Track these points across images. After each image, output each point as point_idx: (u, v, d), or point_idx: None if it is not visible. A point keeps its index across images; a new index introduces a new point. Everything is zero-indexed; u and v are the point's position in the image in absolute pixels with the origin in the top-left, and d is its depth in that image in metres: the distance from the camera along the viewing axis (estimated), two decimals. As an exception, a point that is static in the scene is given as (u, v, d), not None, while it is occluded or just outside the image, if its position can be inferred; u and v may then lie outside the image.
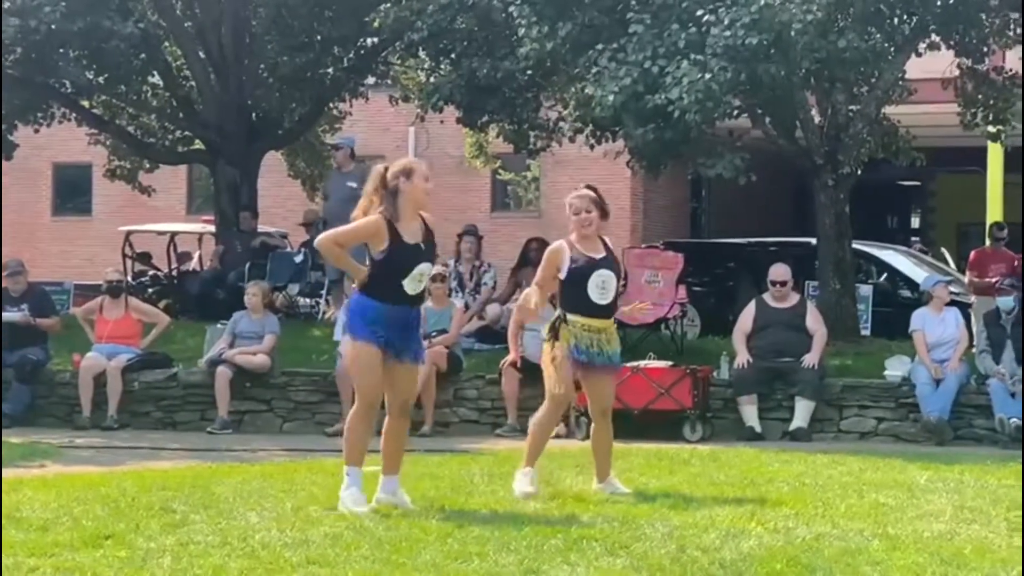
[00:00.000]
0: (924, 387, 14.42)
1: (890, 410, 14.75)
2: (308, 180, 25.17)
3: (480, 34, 17.82)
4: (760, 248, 20.98)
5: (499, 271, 18.10)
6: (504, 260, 19.65)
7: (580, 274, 9.63)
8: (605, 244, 9.82)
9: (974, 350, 15.00)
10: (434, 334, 15.15)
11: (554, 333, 9.66)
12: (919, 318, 15.04)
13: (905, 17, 16.77)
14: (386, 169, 8.99)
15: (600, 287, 9.62)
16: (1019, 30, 17.03)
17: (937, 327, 14.86)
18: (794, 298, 15.47)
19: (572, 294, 9.67)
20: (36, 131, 21.79)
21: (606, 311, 9.74)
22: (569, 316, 9.63)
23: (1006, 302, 14.92)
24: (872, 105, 17.00)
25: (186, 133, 22.76)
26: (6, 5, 17.93)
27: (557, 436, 14.50)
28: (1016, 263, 17.94)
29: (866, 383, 14.96)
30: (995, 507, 9.31)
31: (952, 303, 15.59)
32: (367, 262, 8.97)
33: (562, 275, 9.70)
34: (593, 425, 10.00)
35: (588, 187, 9.90)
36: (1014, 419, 13.94)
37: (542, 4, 15.99)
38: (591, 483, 9.90)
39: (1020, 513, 8.79)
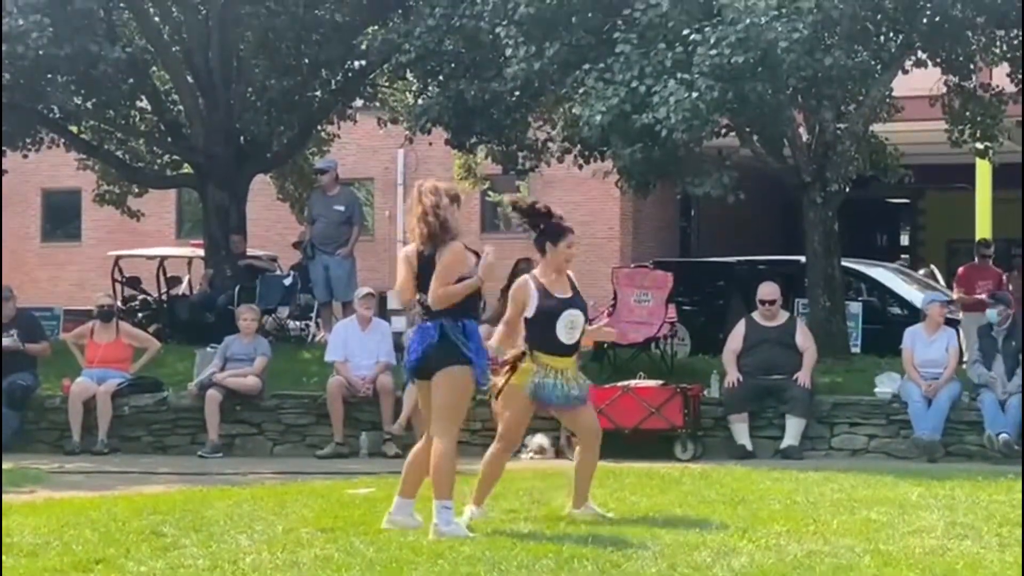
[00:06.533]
0: (916, 405, 14.40)
1: (881, 427, 14.74)
2: (297, 203, 25.13)
3: (467, 56, 17.83)
4: (749, 266, 20.99)
5: (489, 292, 18.03)
6: (493, 281, 19.59)
7: (549, 313, 9.37)
8: (571, 281, 9.58)
9: (964, 365, 15.00)
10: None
11: (512, 368, 9.40)
12: (910, 336, 15.04)
13: (891, 34, 16.82)
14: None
15: (569, 327, 9.36)
16: (1005, 47, 17.07)
17: (926, 348, 14.84)
18: (783, 316, 15.47)
19: (538, 332, 9.41)
20: (25, 157, 21.77)
21: (571, 350, 9.45)
22: (535, 353, 9.37)
23: (992, 315, 14.94)
24: (859, 122, 17.03)
25: (175, 157, 22.72)
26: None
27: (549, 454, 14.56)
28: (1003, 279, 17.98)
29: (856, 400, 14.96)
30: (987, 523, 9.31)
31: (946, 322, 15.55)
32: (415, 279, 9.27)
33: (529, 313, 9.43)
34: (580, 448, 9.71)
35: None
36: (1002, 434, 13.93)
37: (529, 25, 16.00)
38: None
39: (1013, 529, 8.78)
